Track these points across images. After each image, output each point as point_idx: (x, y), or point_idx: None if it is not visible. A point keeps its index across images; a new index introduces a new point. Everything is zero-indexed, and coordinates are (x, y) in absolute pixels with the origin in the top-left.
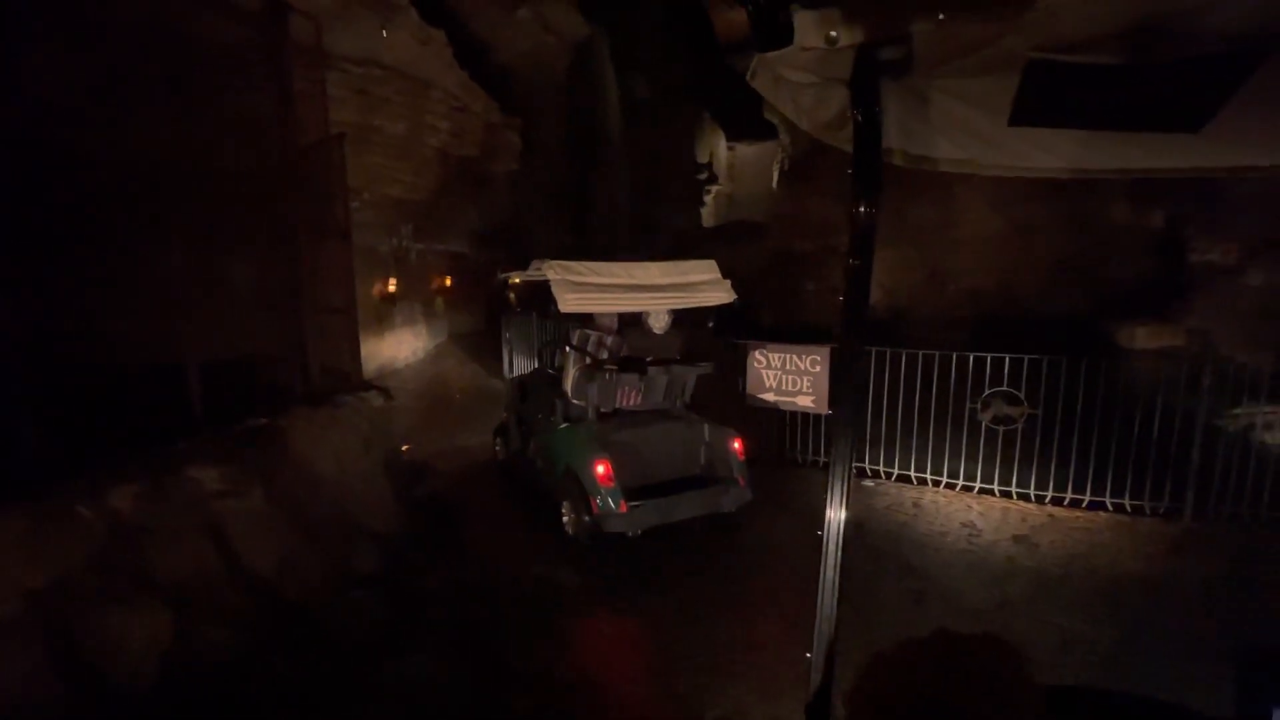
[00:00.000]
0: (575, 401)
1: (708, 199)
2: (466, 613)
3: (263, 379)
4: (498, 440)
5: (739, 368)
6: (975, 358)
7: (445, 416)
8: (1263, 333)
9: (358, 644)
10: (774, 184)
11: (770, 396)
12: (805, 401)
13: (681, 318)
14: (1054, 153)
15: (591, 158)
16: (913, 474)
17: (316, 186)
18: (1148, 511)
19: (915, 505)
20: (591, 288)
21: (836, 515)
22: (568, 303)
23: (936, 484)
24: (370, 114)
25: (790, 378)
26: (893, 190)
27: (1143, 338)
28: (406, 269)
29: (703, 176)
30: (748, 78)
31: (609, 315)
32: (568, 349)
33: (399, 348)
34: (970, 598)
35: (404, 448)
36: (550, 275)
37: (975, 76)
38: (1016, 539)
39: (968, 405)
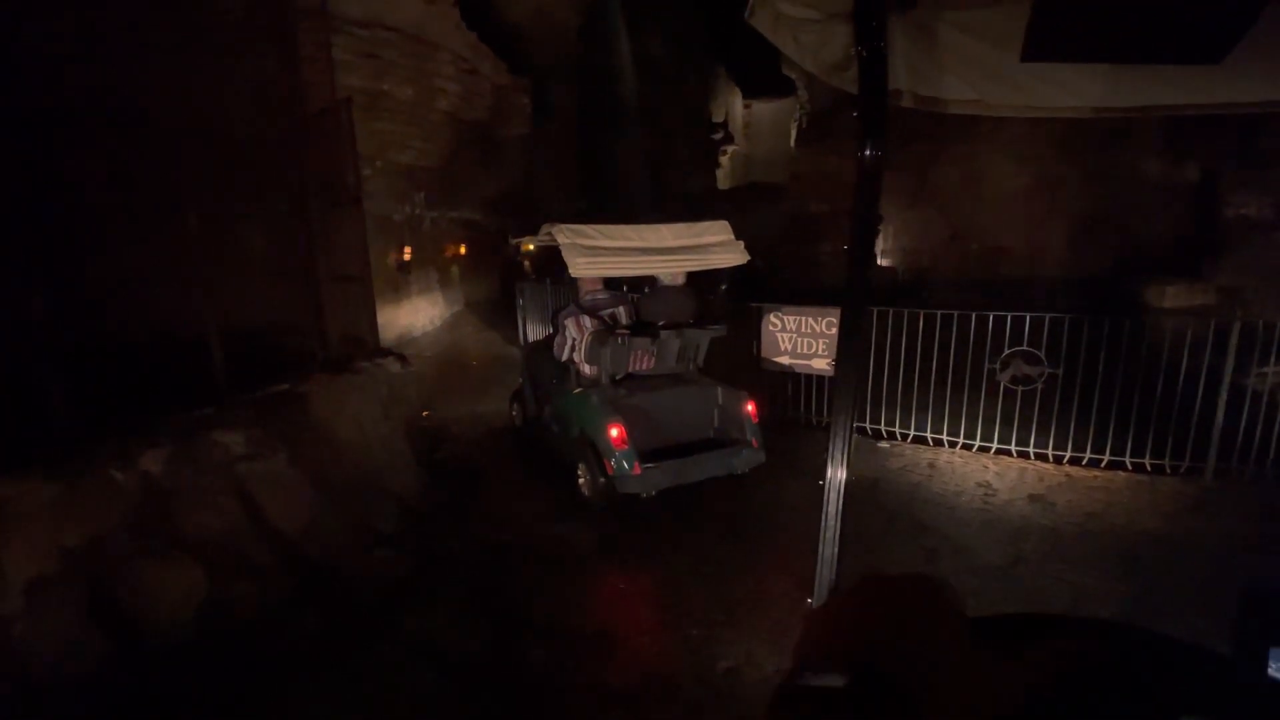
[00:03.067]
0: (588, 366)
1: (723, 160)
2: (485, 570)
3: (283, 347)
4: (514, 406)
5: (753, 331)
6: (995, 317)
7: (463, 384)
8: None
9: (380, 600)
10: (791, 143)
11: (785, 360)
12: (820, 364)
13: (694, 280)
14: (1070, 90)
15: (604, 119)
16: (929, 435)
17: (327, 153)
18: (1168, 471)
19: (930, 466)
20: (603, 251)
21: (838, 474)
22: (578, 266)
23: (953, 445)
24: (378, 78)
25: (805, 340)
26: (914, 149)
27: (1173, 296)
28: (420, 237)
29: (718, 136)
30: (746, 16)
31: (597, 280)
32: (562, 316)
33: (415, 316)
34: (983, 555)
35: (424, 414)
36: (560, 239)
37: (985, 7)
38: (1033, 498)
39: (986, 366)
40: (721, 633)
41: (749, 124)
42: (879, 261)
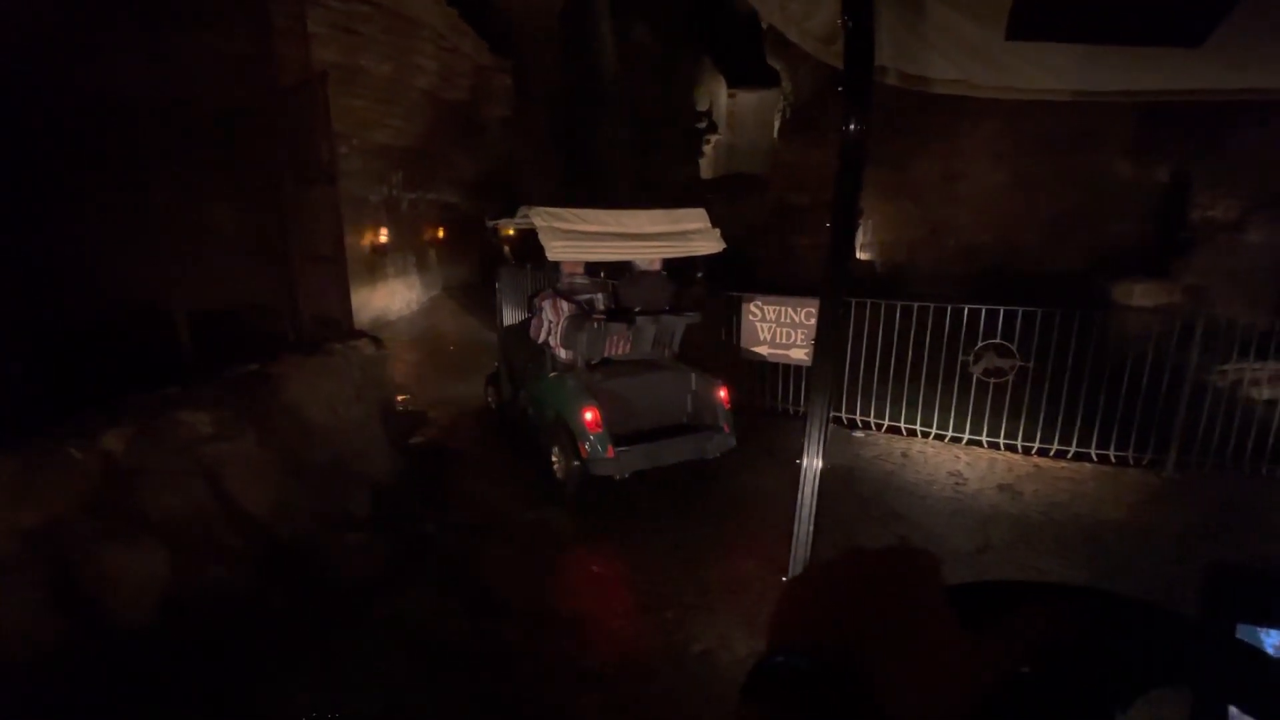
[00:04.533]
0: (563, 351)
1: (707, 149)
2: (460, 553)
3: (254, 327)
4: (489, 389)
5: (733, 320)
6: (969, 310)
7: (440, 367)
8: (1259, 291)
9: (353, 582)
10: (774, 134)
11: (764, 350)
12: (798, 354)
13: (670, 267)
14: (1054, 72)
15: (587, 104)
16: (902, 425)
17: (300, 129)
18: (1131, 463)
19: (904, 455)
20: (580, 235)
21: (814, 460)
22: (555, 250)
23: (925, 435)
24: (355, 54)
25: (784, 330)
26: (894, 145)
27: (1140, 294)
28: (397, 219)
29: (702, 125)
30: None
31: (576, 265)
32: (540, 300)
33: (392, 299)
34: (952, 542)
35: (400, 398)
36: (537, 222)
37: None
38: (1001, 488)
39: (960, 358)
40: (696, 615)
41: (733, 114)
42: (858, 255)
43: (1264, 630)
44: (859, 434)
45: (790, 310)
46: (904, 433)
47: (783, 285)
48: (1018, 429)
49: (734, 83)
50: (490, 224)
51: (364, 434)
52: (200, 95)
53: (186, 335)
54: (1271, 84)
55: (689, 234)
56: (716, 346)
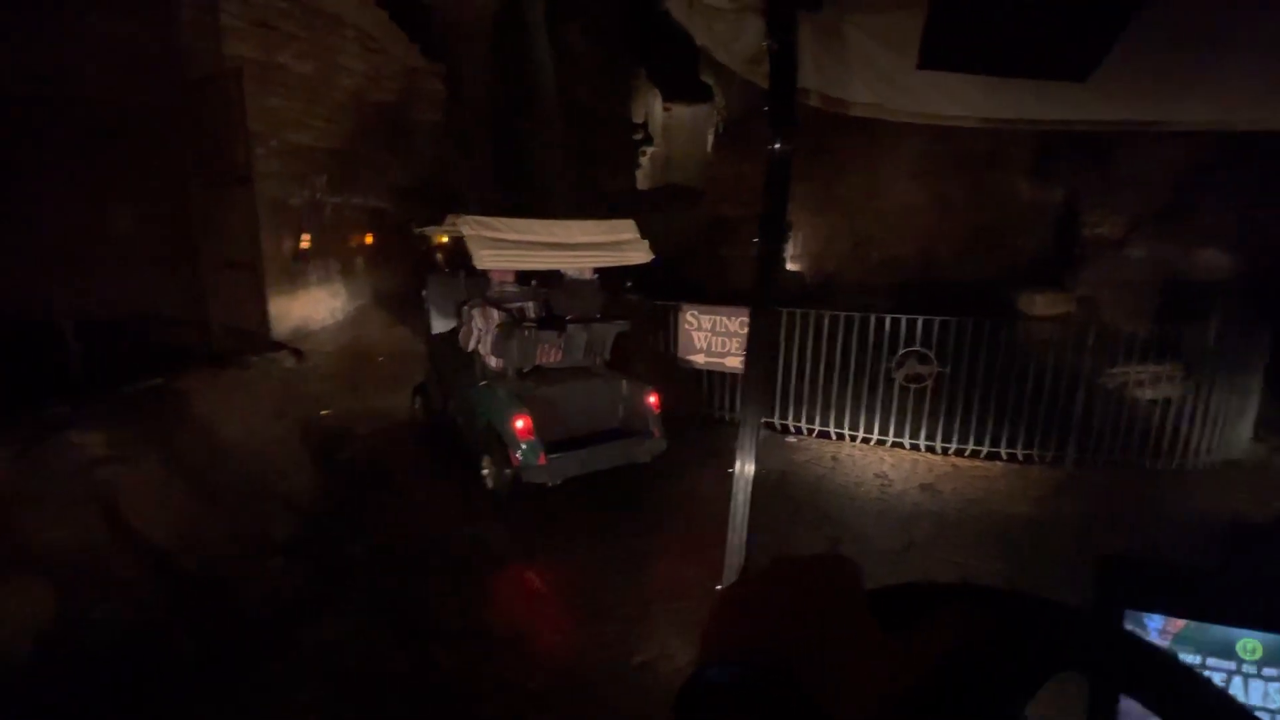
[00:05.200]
0: (493, 359)
1: (643, 160)
2: (388, 574)
3: (160, 339)
4: (416, 399)
5: (667, 329)
6: (891, 319)
7: (367, 380)
8: (1141, 301)
9: (272, 612)
10: (708, 147)
11: (700, 359)
12: (734, 363)
13: (602, 276)
14: (961, 101)
15: (522, 110)
16: (832, 429)
17: (212, 127)
18: (1037, 459)
19: (834, 459)
20: (509, 244)
21: (746, 465)
22: (483, 259)
23: (854, 439)
24: (273, 50)
25: (719, 339)
26: (821, 161)
27: (1040, 304)
28: (321, 224)
29: (638, 137)
30: (661, 2)
31: (506, 274)
32: (469, 308)
33: (315, 309)
34: (880, 542)
35: (323, 412)
36: (465, 230)
37: (885, 12)
38: (923, 487)
39: (884, 364)
40: (636, 627)
41: (668, 126)
42: (789, 266)
43: (1148, 615)
44: (792, 439)
45: (725, 319)
46: (834, 437)
47: (718, 295)
48: (937, 431)
49: (669, 96)
50: (417, 231)
51: (284, 452)
52: (97, 87)
53: (76, 346)
54: (1146, 116)
55: (619, 244)
56: (654, 355)
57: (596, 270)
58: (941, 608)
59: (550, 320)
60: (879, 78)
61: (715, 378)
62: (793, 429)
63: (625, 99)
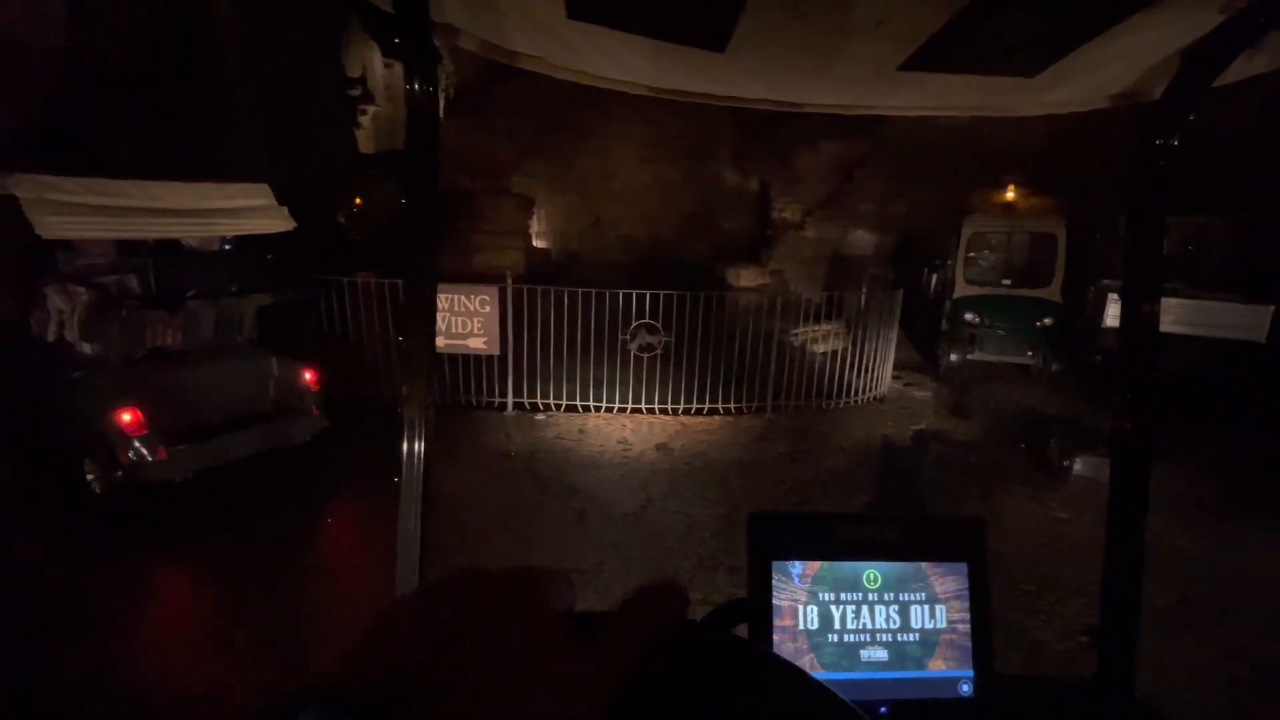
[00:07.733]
0: (87, 346)
1: (364, 120)
2: None
3: None
4: None
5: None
6: (624, 295)
7: None
8: (815, 273)
9: None
10: (440, 113)
11: (441, 341)
12: (477, 344)
13: (242, 246)
14: (621, 64)
15: (187, 43)
16: (579, 403)
17: None
18: (745, 411)
19: (581, 431)
20: (87, 210)
21: (416, 447)
22: (48, 226)
23: (599, 409)
24: None
25: (460, 319)
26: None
27: (744, 277)
28: None
29: (356, 94)
30: None
31: (102, 244)
32: (43, 287)
33: None
34: (622, 505)
35: None
36: (19, 193)
37: None
38: (659, 447)
39: (620, 336)
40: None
41: (391, 85)
42: (535, 243)
43: (790, 562)
44: (541, 417)
45: (464, 299)
46: (580, 409)
47: (455, 272)
48: (668, 394)
49: (389, 52)
50: None
51: None
52: None
53: None
54: (780, 96)
55: (244, 210)
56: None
57: (235, 239)
58: (625, 612)
59: (160, 297)
60: (536, 26)
61: (461, 360)
62: (541, 406)
63: (335, 49)
